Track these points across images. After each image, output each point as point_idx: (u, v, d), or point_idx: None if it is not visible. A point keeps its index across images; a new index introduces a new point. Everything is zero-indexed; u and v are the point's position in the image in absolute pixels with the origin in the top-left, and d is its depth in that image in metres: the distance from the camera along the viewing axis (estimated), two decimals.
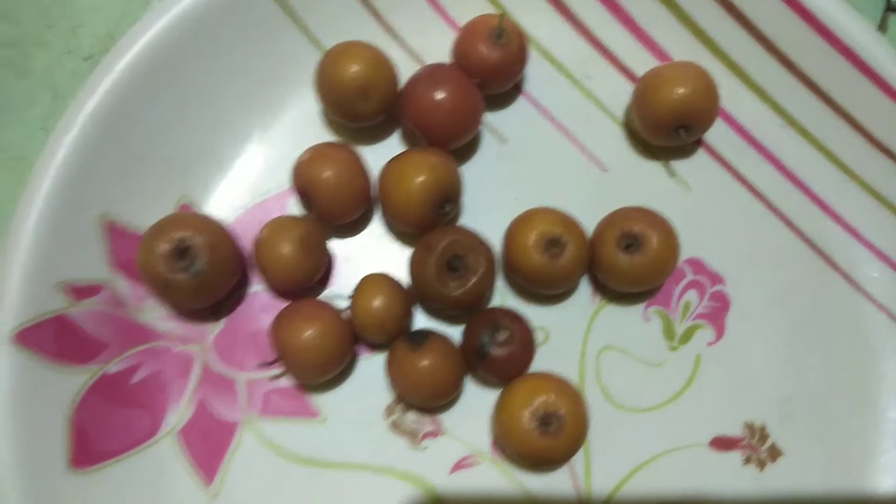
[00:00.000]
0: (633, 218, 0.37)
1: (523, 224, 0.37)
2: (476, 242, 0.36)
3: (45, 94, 0.41)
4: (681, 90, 0.37)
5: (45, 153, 0.35)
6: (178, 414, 0.37)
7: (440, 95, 0.36)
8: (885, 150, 0.40)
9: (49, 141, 0.36)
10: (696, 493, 0.38)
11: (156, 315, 0.38)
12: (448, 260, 0.35)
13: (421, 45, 0.41)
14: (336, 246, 0.39)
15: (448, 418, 0.38)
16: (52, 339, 0.35)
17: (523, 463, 0.36)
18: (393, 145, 0.40)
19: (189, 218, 0.35)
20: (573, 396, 0.35)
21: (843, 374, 0.39)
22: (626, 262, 0.36)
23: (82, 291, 0.36)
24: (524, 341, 0.36)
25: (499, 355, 0.36)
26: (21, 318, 0.34)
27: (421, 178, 0.36)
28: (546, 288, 0.38)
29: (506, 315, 0.36)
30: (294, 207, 0.39)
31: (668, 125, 0.38)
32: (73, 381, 0.36)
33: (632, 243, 0.36)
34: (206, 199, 0.39)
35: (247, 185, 0.40)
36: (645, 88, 0.38)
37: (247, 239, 0.38)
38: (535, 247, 0.36)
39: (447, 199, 0.36)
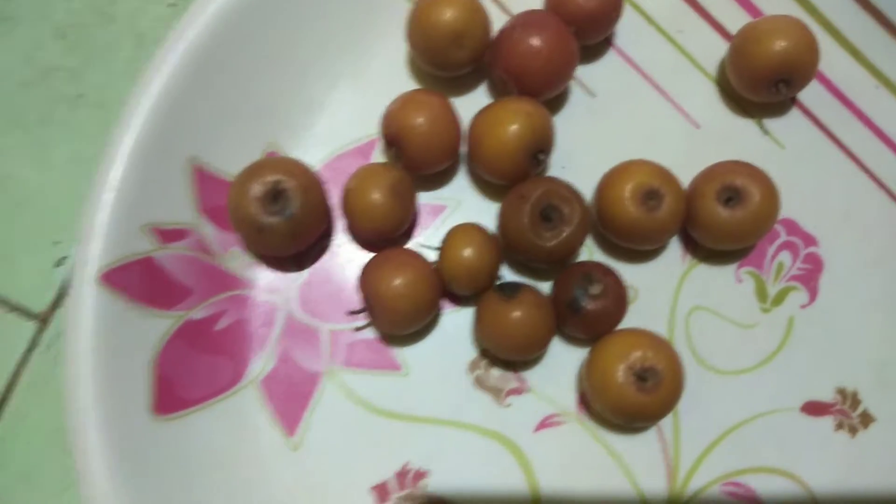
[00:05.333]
0: (733, 171, 0.35)
1: (619, 175, 0.36)
2: (570, 193, 0.35)
3: (129, 40, 0.41)
4: (782, 42, 0.36)
5: (133, 95, 0.35)
6: (262, 363, 0.37)
7: (537, 41, 0.35)
8: None
9: (138, 83, 0.35)
10: (786, 459, 0.37)
11: (241, 263, 0.37)
12: (542, 210, 0.35)
13: None
14: (419, 199, 0.39)
15: (532, 375, 0.37)
16: (139, 281, 0.35)
17: (616, 419, 0.35)
18: (479, 97, 0.40)
19: (282, 161, 0.35)
20: (669, 352, 0.34)
21: None
22: (727, 216, 0.35)
23: (169, 235, 0.36)
24: (617, 295, 0.35)
25: (592, 309, 0.35)
26: (108, 259, 0.34)
27: (516, 126, 0.35)
28: (640, 243, 0.37)
29: (598, 268, 0.36)
30: (378, 158, 0.39)
31: (768, 79, 0.37)
32: (158, 325, 0.35)
33: (732, 196, 0.35)
34: (292, 146, 0.38)
35: (333, 134, 0.39)
36: (744, 41, 0.37)
37: (330, 189, 0.38)
38: (631, 199, 0.35)
39: (541, 148, 0.36)
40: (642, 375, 0.33)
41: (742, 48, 0.38)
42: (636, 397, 0.33)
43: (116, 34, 0.41)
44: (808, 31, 0.37)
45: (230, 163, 0.37)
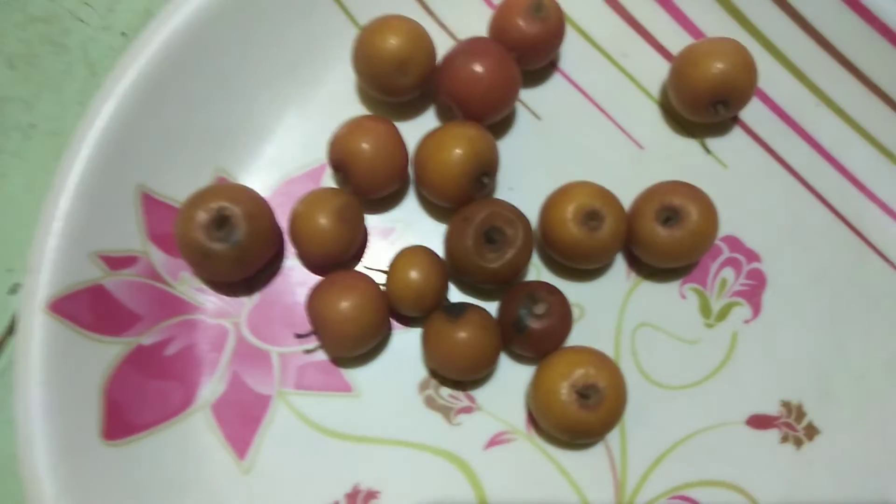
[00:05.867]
0: (672, 191, 0.36)
1: (561, 197, 0.36)
2: (514, 215, 0.36)
3: (81, 70, 0.41)
4: (719, 65, 0.37)
5: (82, 124, 0.35)
6: (212, 387, 0.37)
7: (479, 68, 0.36)
8: None
9: (87, 112, 0.36)
10: (732, 472, 0.37)
11: (190, 287, 0.38)
12: (486, 232, 0.35)
13: (455, 21, 0.41)
14: (369, 221, 0.39)
15: (482, 394, 0.38)
16: (87, 309, 0.35)
17: (561, 436, 0.35)
18: (428, 121, 0.40)
19: (228, 188, 0.35)
20: (612, 369, 0.35)
21: (880, 353, 0.39)
22: (665, 236, 0.36)
23: (118, 262, 0.36)
24: (562, 314, 0.36)
25: (537, 328, 0.35)
26: (56, 288, 0.34)
27: (459, 150, 0.35)
28: (583, 262, 0.37)
29: (542, 287, 0.36)
30: (328, 183, 0.39)
31: (706, 100, 0.38)
32: (108, 352, 0.35)
33: (671, 216, 0.36)
34: (241, 172, 0.39)
35: (282, 160, 0.39)
36: (683, 63, 0.38)
37: (281, 213, 0.38)
38: (573, 220, 0.36)
39: (485, 172, 0.36)
40: (584, 393, 0.34)
41: (681, 70, 0.38)
42: (579, 415, 0.34)
43: (69, 64, 0.41)
44: (746, 53, 0.38)
45: (179, 190, 0.37)
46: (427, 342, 0.36)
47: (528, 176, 0.40)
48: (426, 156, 0.36)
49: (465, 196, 0.36)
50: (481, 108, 0.37)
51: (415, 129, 0.38)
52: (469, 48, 0.37)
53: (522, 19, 0.37)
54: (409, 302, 0.36)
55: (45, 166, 0.40)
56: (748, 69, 0.38)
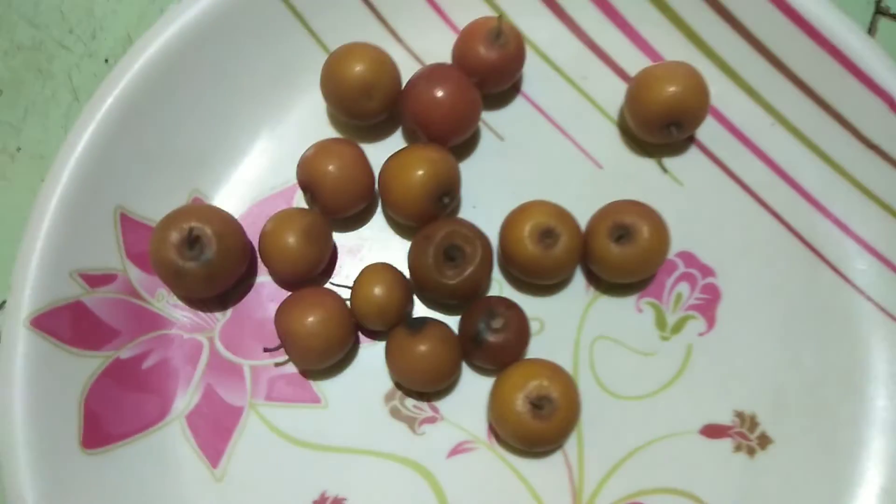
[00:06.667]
0: (624, 210, 0.38)
1: (518, 216, 0.38)
2: (473, 233, 0.37)
3: (65, 96, 0.43)
4: (671, 88, 0.39)
5: (63, 148, 0.38)
6: (187, 399, 0.39)
7: (440, 93, 0.38)
8: (873, 147, 0.41)
9: (68, 136, 0.37)
10: (686, 480, 0.39)
11: (167, 304, 0.39)
12: (446, 249, 0.37)
13: (422, 47, 0.43)
14: (339, 239, 0.41)
15: (445, 405, 0.39)
16: (68, 324, 0.37)
17: (517, 445, 0.37)
18: (394, 143, 0.42)
19: (199, 209, 0.37)
20: (565, 381, 0.36)
21: (832, 364, 0.40)
22: (618, 253, 0.37)
23: (97, 280, 0.38)
24: (519, 328, 0.38)
25: (494, 342, 0.37)
26: (38, 304, 0.36)
27: (420, 172, 0.37)
28: (540, 278, 0.39)
29: (501, 303, 0.38)
30: (299, 203, 0.41)
31: (660, 122, 0.39)
32: (87, 366, 0.37)
33: (623, 234, 0.38)
34: (216, 193, 0.41)
35: (255, 181, 0.41)
36: (637, 87, 0.40)
37: (254, 232, 0.40)
38: (529, 238, 0.37)
39: (445, 192, 0.38)
40: (538, 403, 0.36)
41: (635, 94, 0.40)
42: (532, 424, 0.35)
43: (54, 89, 0.43)
44: (698, 76, 0.40)
45: (156, 210, 0.39)
46: (389, 355, 0.38)
47: (491, 194, 0.42)
48: (390, 177, 0.38)
49: (427, 215, 0.38)
50: (443, 131, 0.39)
51: (383, 151, 0.40)
52: (430, 74, 0.39)
53: (483, 46, 0.39)
54: (373, 317, 0.37)
55: (30, 188, 0.42)
56: (700, 92, 0.39)
